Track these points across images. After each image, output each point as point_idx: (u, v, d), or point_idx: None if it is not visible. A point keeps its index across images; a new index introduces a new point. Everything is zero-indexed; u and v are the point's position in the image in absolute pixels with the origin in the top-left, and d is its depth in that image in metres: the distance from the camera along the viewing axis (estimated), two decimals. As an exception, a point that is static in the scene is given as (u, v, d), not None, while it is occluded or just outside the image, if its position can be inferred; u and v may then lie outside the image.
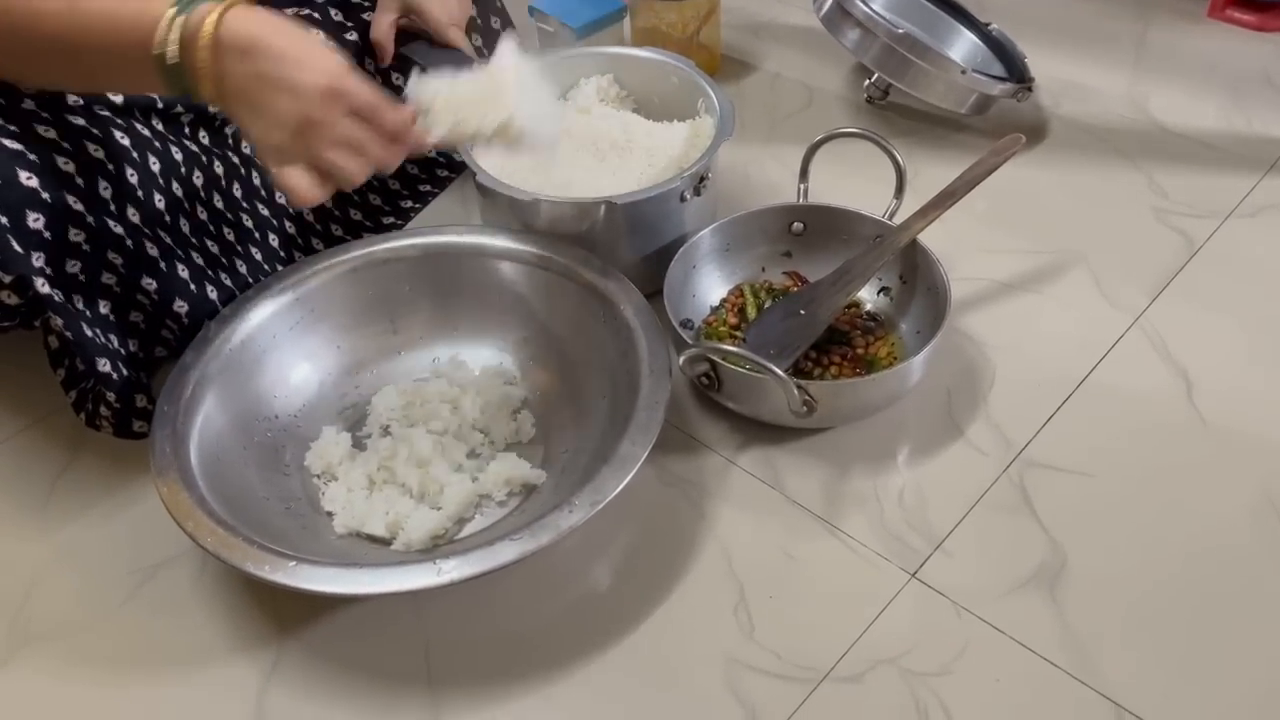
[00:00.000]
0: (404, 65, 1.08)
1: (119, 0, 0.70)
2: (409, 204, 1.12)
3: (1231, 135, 1.15)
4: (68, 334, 0.82)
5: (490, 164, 0.95)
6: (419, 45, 1.05)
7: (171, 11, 0.69)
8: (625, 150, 0.97)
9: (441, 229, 0.96)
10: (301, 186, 0.71)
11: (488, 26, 1.13)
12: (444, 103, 0.76)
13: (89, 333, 0.83)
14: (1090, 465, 0.85)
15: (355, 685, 0.76)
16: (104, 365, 0.84)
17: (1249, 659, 0.73)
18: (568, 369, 0.91)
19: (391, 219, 1.10)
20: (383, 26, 1.02)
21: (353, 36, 1.03)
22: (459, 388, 0.90)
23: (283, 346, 0.90)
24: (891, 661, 0.74)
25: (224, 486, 0.79)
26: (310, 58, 0.70)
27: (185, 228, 0.89)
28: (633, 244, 0.95)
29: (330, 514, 0.83)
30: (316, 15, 1.03)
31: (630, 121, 1.00)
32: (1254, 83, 1.22)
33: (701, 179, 0.94)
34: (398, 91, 1.08)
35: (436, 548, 0.80)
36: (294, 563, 0.71)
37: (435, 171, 1.14)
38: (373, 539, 0.82)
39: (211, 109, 0.87)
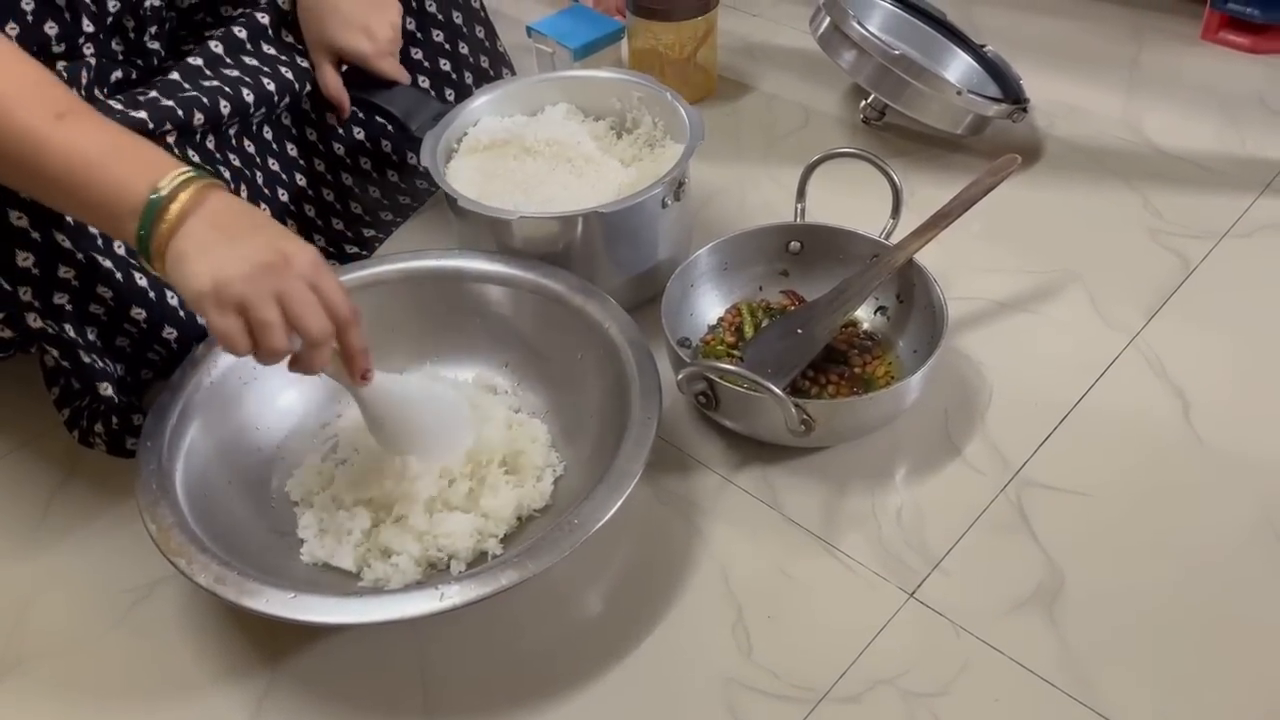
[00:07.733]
0: (364, 110, 1.05)
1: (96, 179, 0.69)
2: (370, 233, 1.09)
3: (1226, 156, 1.15)
4: (65, 363, 0.82)
5: (465, 187, 0.94)
6: (357, 77, 1.01)
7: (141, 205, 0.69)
8: (600, 163, 0.97)
9: (420, 254, 0.94)
10: (235, 333, 0.69)
11: (478, 65, 1.13)
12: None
13: (86, 359, 0.83)
14: (1088, 485, 0.85)
15: (348, 716, 0.75)
16: (106, 389, 0.84)
17: (1246, 679, 0.73)
18: (555, 390, 0.90)
19: (355, 249, 1.07)
20: (331, 82, 0.99)
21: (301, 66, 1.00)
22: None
23: (266, 374, 0.85)
24: (890, 681, 0.73)
25: (212, 519, 0.77)
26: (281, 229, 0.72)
27: None
28: (613, 258, 0.95)
29: (303, 541, 0.81)
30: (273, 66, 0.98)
31: (598, 133, 1.02)
32: (1248, 104, 1.23)
33: (680, 184, 0.94)
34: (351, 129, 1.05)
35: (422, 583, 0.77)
36: (293, 594, 0.70)
37: (398, 199, 1.12)
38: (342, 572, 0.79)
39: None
